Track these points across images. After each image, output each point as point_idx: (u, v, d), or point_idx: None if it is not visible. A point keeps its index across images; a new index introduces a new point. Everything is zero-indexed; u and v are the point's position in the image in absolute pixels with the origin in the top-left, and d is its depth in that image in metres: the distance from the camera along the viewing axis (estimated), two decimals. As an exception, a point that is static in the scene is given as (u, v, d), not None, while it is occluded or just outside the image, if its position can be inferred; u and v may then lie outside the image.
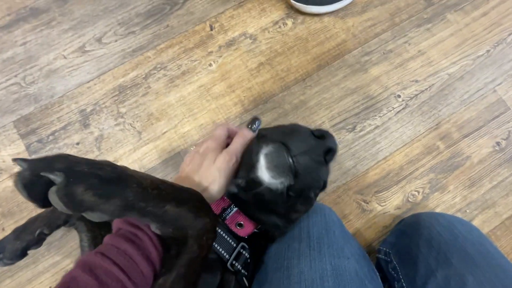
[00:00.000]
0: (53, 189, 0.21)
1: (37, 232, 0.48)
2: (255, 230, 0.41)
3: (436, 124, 0.64)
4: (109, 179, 0.23)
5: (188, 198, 0.29)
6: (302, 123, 0.62)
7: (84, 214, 0.22)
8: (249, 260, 0.40)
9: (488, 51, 0.68)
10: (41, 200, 0.21)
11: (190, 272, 0.27)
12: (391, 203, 0.61)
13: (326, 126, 0.63)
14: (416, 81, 0.66)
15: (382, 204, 0.60)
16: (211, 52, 0.65)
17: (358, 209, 0.60)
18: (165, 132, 0.61)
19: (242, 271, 0.39)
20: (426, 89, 0.65)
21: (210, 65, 0.64)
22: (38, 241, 0.49)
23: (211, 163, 0.36)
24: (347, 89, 0.64)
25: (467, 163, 0.62)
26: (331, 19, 0.68)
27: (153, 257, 0.27)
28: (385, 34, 0.67)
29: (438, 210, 0.61)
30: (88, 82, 0.63)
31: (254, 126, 0.42)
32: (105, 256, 0.24)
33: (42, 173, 0.21)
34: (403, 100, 0.65)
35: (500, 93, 0.66)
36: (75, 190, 0.21)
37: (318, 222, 0.43)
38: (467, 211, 0.61)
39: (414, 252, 0.45)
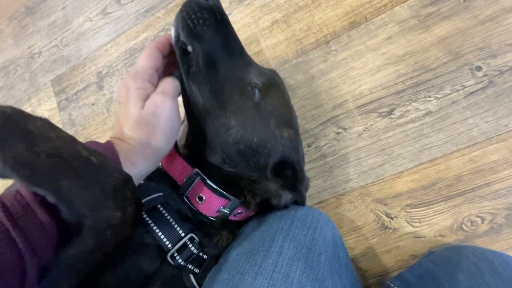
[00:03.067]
0: None
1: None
2: (223, 209, 0.33)
3: (544, 118, 0.39)
4: None
5: (99, 180, 0.23)
6: (316, 99, 0.48)
7: None
8: (205, 257, 0.33)
9: None
10: None
11: (83, 267, 0.23)
12: (431, 226, 0.42)
13: (349, 106, 0.47)
14: (519, 44, 0.41)
15: (414, 224, 0.42)
16: (220, 9, 0.55)
17: (376, 224, 0.44)
18: (164, 99, 0.58)
19: (189, 266, 0.32)
20: (537, 58, 0.40)
21: (218, 25, 0.55)
22: None
23: (136, 110, 0.28)
24: (390, 55, 0.45)
25: None
26: (383, -47, 0.47)
27: (57, 214, 0.22)
28: (474, -30, 0.43)
29: (515, 253, 0.39)
30: (106, 44, 0.64)
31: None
32: None
33: None
34: (485, 75, 0.41)
35: None
36: None
37: (300, 236, 0.31)
38: None
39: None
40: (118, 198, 0.23)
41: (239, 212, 0.35)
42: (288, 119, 0.34)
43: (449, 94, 0.42)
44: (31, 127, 0.21)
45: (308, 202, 0.47)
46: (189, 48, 0.31)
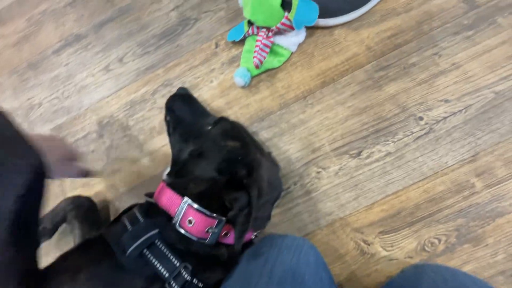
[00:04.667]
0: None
1: (40, 226, 0.54)
2: (211, 229, 0.38)
3: (472, 156, 0.50)
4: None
5: None
6: (298, 144, 0.58)
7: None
8: (200, 285, 0.38)
9: (560, 62, 0.51)
10: None
11: None
12: (401, 249, 0.49)
13: (325, 150, 0.56)
14: (446, 100, 0.53)
15: (387, 248, 0.50)
16: (214, 69, 0.66)
17: (356, 250, 0.51)
18: (163, 146, 0.64)
19: None
20: (460, 110, 0.52)
21: (211, 81, 0.65)
22: (44, 234, 0.56)
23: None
24: (355, 108, 0.57)
25: (517, 211, 0.47)
26: (342, 31, 0.61)
27: None
28: (408, 46, 0.57)
29: (468, 267, 0.47)
30: (107, 97, 0.70)
31: None
32: None
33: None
34: (426, 124, 0.53)
35: None
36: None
37: (287, 261, 0.37)
38: (514, 275, 0.45)
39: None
40: None
41: (227, 233, 0.40)
42: (234, 135, 0.45)
43: (402, 138, 0.53)
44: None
45: (297, 234, 0.53)
46: (167, 118, 0.54)
